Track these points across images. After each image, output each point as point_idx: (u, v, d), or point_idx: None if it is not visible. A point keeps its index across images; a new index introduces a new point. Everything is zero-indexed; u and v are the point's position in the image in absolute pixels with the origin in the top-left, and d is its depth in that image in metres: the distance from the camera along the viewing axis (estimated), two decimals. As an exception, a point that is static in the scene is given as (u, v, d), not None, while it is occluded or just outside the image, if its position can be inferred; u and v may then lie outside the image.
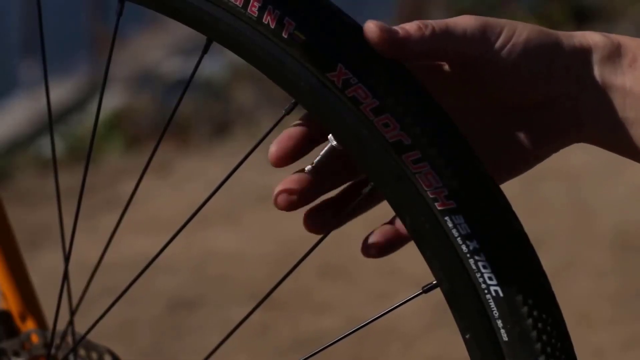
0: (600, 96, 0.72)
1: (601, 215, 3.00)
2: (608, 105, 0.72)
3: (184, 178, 4.05)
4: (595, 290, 2.60)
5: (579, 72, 0.71)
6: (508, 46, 0.70)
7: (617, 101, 0.71)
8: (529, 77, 0.71)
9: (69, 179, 3.24)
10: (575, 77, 0.71)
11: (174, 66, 9.53)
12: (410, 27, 0.69)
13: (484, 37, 0.70)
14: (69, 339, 0.86)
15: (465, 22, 0.70)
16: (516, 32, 0.70)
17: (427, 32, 0.69)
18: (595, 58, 0.71)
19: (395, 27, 0.69)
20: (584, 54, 0.71)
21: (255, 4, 0.68)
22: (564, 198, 3.23)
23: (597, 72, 0.71)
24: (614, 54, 0.72)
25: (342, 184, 0.74)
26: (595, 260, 2.78)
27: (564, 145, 0.74)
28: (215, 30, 0.70)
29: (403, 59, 0.69)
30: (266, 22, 0.68)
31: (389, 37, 0.68)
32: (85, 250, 1.88)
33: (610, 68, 0.71)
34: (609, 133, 0.73)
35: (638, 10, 5.03)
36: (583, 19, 4.96)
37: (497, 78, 0.71)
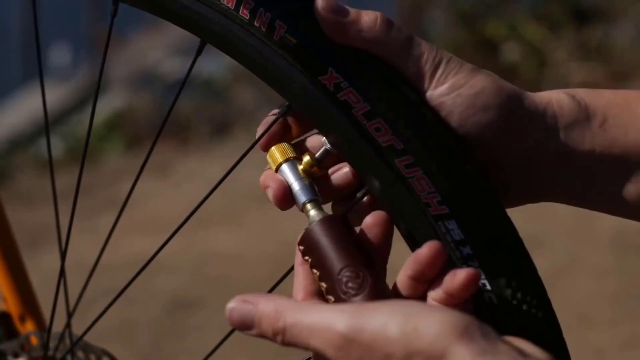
0: (566, 162, 0.69)
1: (601, 215, 3.00)
2: (575, 171, 0.69)
3: (184, 178, 4.05)
4: (595, 291, 2.59)
5: (541, 137, 0.68)
6: (452, 94, 0.67)
7: (586, 166, 0.69)
8: (479, 131, 0.68)
9: (69, 179, 3.24)
10: (534, 142, 0.68)
11: (174, 66, 9.52)
12: (366, 16, 0.67)
13: (432, 73, 0.67)
14: (67, 340, 0.86)
15: (424, 47, 0.67)
16: (469, 83, 0.67)
17: (378, 25, 0.67)
18: (561, 124, 0.68)
19: (348, 9, 0.67)
20: (547, 118, 0.68)
21: (247, 6, 0.68)
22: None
23: (562, 138, 0.68)
24: (582, 118, 0.69)
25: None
26: (595, 261, 2.78)
27: (528, 202, 0.72)
28: (208, 31, 0.70)
29: (346, 41, 0.66)
30: (257, 25, 0.68)
31: (335, 16, 0.66)
32: (85, 250, 1.88)
33: (578, 133, 0.68)
34: (579, 196, 0.71)
35: (638, 10, 5.02)
36: (583, 19, 4.96)
37: (457, 126, 0.68)
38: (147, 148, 4.81)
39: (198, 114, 4.98)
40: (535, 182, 0.70)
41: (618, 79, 4.42)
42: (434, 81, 0.67)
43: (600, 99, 0.70)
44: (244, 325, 0.62)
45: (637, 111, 0.69)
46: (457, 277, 0.62)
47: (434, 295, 0.64)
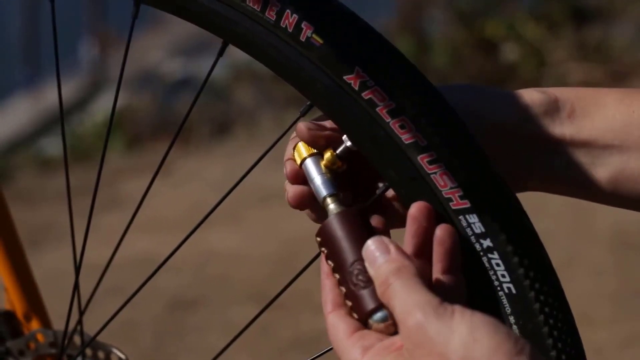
0: (540, 146, 0.74)
1: (600, 214, 3.00)
2: (551, 155, 0.74)
3: (185, 178, 4.06)
4: (595, 289, 2.60)
5: (517, 128, 0.74)
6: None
7: (559, 150, 0.74)
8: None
9: (70, 178, 3.24)
10: (513, 132, 0.74)
11: (175, 66, 9.52)
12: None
13: None
14: (77, 339, 0.87)
15: None
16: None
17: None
18: (533, 114, 0.74)
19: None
20: (521, 111, 0.74)
21: (274, 8, 0.69)
22: (563, 197, 3.23)
23: (535, 126, 0.74)
24: (552, 109, 0.75)
25: (356, 184, 0.75)
26: (594, 259, 2.79)
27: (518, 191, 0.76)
28: (232, 33, 0.71)
29: None
30: (284, 26, 0.69)
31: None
32: (87, 248, 1.88)
33: (549, 121, 0.74)
34: (557, 181, 0.76)
35: (638, 10, 5.03)
36: (583, 19, 4.96)
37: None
38: (147, 148, 4.81)
39: (199, 114, 4.98)
40: (517, 168, 0.75)
41: (617, 79, 4.42)
42: None
43: (569, 92, 0.75)
44: None
45: (603, 101, 0.74)
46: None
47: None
